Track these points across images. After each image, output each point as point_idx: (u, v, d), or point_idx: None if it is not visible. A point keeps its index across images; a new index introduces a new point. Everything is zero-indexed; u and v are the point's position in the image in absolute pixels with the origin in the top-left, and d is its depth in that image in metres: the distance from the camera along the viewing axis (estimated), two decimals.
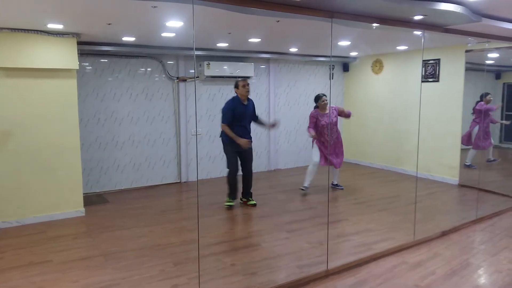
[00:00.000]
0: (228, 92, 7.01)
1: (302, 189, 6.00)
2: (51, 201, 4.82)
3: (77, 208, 4.98)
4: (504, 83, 6.52)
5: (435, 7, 3.35)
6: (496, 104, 6.42)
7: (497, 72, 6.51)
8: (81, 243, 4.13)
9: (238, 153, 5.23)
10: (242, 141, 5.05)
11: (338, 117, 6.05)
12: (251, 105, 5.32)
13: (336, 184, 6.33)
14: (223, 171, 7.03)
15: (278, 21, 4.01)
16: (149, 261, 3.67)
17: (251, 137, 5.27)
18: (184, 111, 6.68)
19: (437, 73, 6.65)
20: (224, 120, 5.12)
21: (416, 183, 4.80)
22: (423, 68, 6.83)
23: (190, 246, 4.02)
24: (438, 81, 6.65)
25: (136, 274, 3.40)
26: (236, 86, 5.18)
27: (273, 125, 5.75)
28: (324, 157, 5.93)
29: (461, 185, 6.38)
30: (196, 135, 4.91)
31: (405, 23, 3.86)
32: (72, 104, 4.87)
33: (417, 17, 3.68)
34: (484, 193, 5.66)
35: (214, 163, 7.03)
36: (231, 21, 4.11)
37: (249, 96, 5.25)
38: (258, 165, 7.53)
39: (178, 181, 6.74)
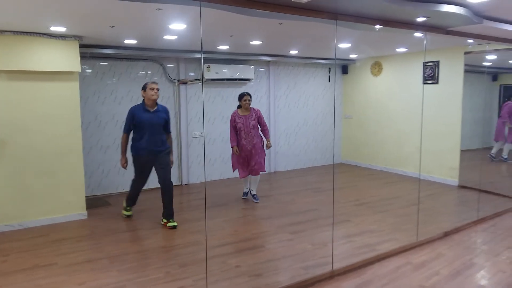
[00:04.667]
0: (228, 95, 7.02)
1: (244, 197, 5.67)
2: (53, 204, 4.80)
3: (79, 211, 4.96)
4: (500, 85, 6.57)
5: (438, 8, 3.38)
6: None
7: (494, 74, 6.56)
8: (85, 246, 4.12)
9: (148, 166, 4.64)
10: (121, 161, 4.64)
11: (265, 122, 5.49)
12: (161, 113, 4.58)
13: (253, 195, 5.63)
14: (224, 173, 7.09)
15: (280, 23, 4.04)
16: (154, 263, 3.67)
17: (161, 150, 4.57)
18: (185, 114, 6.67)
19: (436, 75, 6.69)
20: (124, 128, 4.60)
21: (419, 185, 4.83)
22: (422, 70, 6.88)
23: (194, 248, 4.02)
24: (437, 83, 6.69)
25: (142, 276, 3.40)
26: (144, 89, 4.52)
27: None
28: (243, 168, 5.43)
29: (461, 186, 6.41)
30: (204, 137, 4.81)
31: (407, 25, 3.89)
32: (75, 107, 4.87)
33: (420, 19, 3.71)
34: (484, 194, 5.69)
35: (215, 166, 7.04)
36: (235, 24, 4.13)
37: (159, 103, 4.64)
38: None
39: (179, 183, 6.73)
